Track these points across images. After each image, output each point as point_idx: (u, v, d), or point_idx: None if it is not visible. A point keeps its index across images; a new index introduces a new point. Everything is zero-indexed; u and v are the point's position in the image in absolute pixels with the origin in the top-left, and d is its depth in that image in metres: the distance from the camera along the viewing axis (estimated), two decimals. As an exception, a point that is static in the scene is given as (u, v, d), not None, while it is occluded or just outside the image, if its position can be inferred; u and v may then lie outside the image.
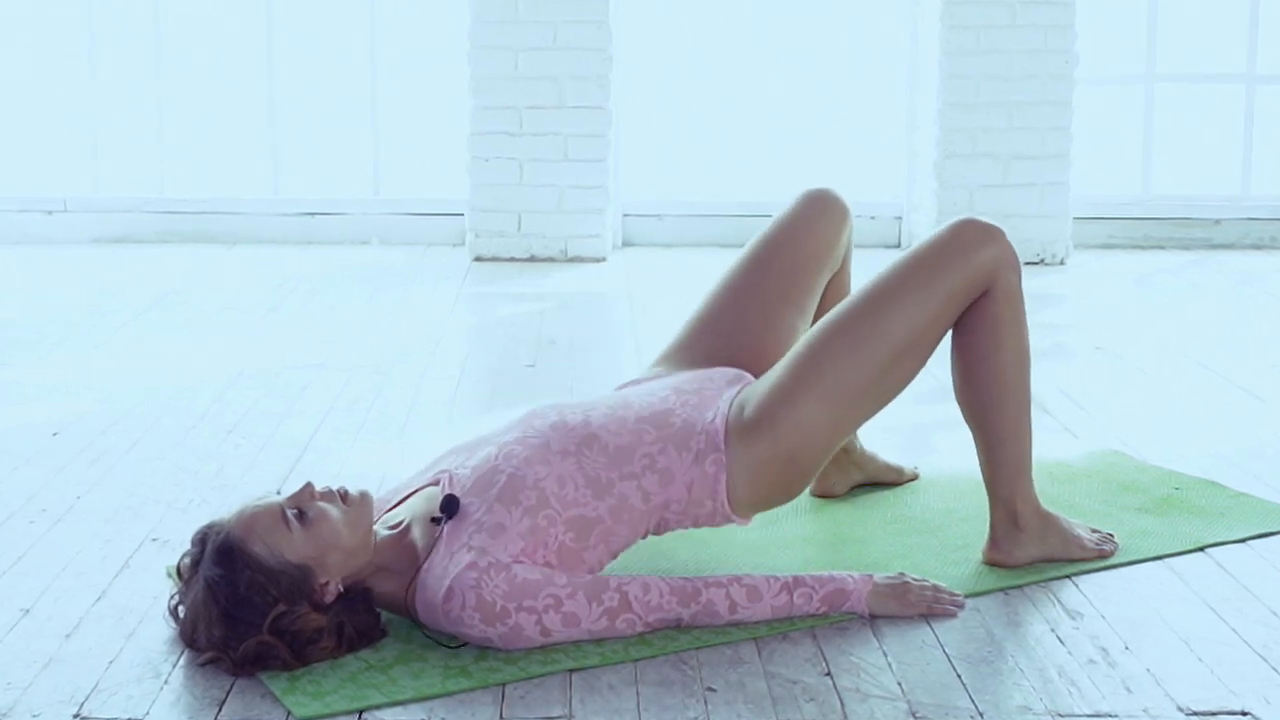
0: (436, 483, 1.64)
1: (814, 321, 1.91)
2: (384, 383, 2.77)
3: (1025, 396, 1.76)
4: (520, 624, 1.54)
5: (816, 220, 1.90)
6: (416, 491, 1.66)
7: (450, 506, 1.57)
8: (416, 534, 1.59)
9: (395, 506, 1.68)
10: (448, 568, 1.54)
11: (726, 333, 1.85)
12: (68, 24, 4.46)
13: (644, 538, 1.69)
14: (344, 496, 1.57)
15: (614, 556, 1.65)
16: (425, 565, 1.56)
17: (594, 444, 1.64)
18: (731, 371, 1.80)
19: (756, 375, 1.82)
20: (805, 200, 1.92)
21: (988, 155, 4.12)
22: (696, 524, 1.70)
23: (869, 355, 1.66)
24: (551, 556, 1.58)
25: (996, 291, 1.72)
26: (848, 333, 1.68)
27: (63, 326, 3.24)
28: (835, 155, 4.45)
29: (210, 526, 1.55)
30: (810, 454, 1.67)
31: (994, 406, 1.75)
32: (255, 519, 1.52)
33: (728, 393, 1.74)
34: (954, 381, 1.80)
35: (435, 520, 1.57)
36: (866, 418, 1.72)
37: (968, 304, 1.72)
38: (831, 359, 1.67)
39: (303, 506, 1.54)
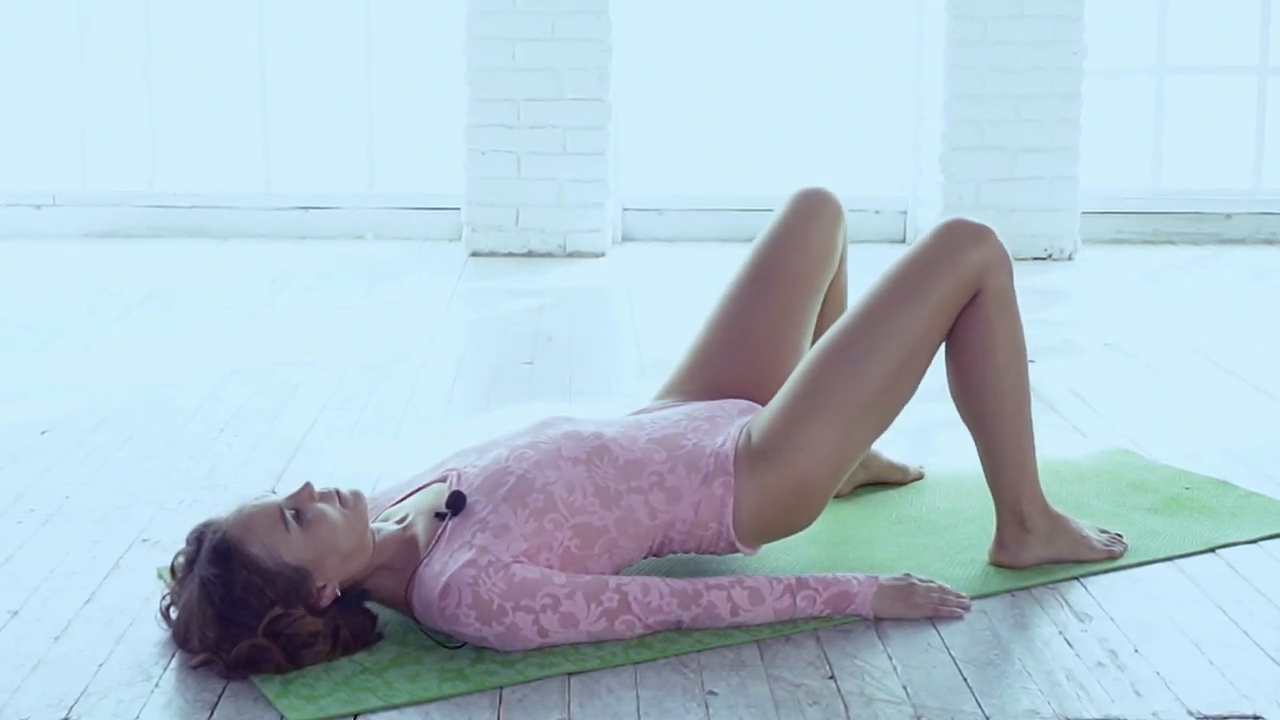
0: (444, 479, 1.63)
1: (816, 331, 1.90)
2: (379, 381, 2.75)
3: (1023, 397, 1.75)
4: (517, 623, 1.53)
5: (811, 225, 1.88)
6: (423, 488, 1.65)
7: (457, 502, 1.56)
8: (419, 529, 1.58)
9: (400, 502, 1.66)
10: (447, 564, 1.53)
11: (731, 361, 1.84)
12: (57, 15, 4.42)
13: (646, 556, 1.69)
14: (342, 498, 1.55)
15: (616, 570, 1.65)
16: (425, 560, 1.54)
17: (605, 455, 1.64)
18: (743, 403, 1.80)
19: (764, 403, 1.81)
20: (797, 204, 1.90)
21: (994, 148, 4.09)
22: (700, 548, 1.69)
23: (868, 373, 1.66)
24: (554, 560, 1.58)
25: (986, 293, 1.71)
26: (844, 354, 1.67)
27: (51, 323, 3.22)
28: (839, 148, 4.42)
29: (207, 525, 1.53)
30: (819, 479, 1.66)
31: (990, 408, 1.73)
32: (253, 519, 1.51)
33: (739, 421, 1.74)
34: (949, 384, 1.78)
35: (440, 516, 1.56)
36: (874, 436, 1.71)
37: (960, 307, 1.71)
38: (831, 381, 1.66)
39: (302, 507, 1.53)
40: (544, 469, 1.60)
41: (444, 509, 1.57)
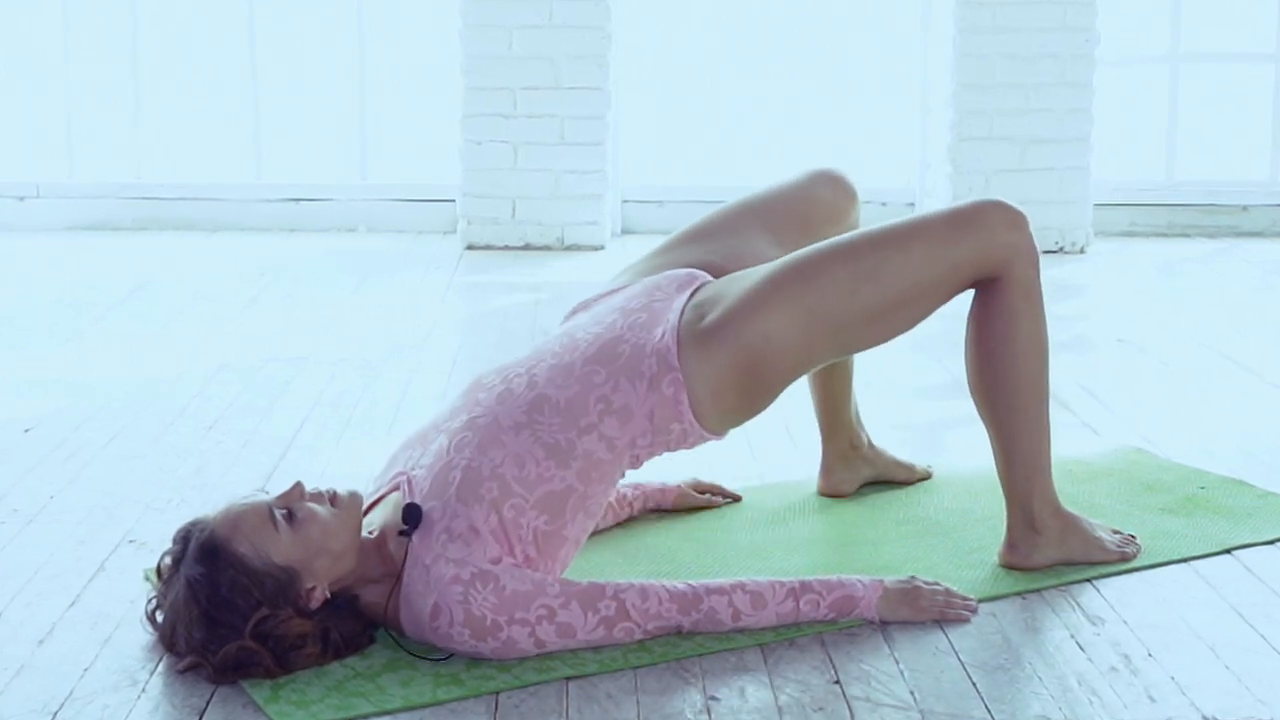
0: (397, 488, 1.59)
1: None
2: (372, 377, 2.73)
3: (1042, 392, 1.72)
4: (513, 637, 1.50)
5: (822, 191, 1.85)
6: (381, 499, 1.61)
7: (413, 516, 1.52)
8: (391, 545, 1.56)
9: (366, 513, 1.63)
10: (429, 582, 1.50)
11: (699, 251, 1.77)
12: (42, 4, 4.37)
13: (622, 478, 1.63)
14: (333, 498, 1.53)
15: (594, 517, 1.60)
16: (404, 579, 1.52)
17: (544, 405, 1.58)
18: (683, 272, 1.73)
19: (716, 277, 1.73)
20: (811, 174, 1.88)
21: (1004, 139, 4.05)
22: (670, 448, 1.63)
23: (861, 293, 1.61)
24: (529, 548, 1.53)
25: (1012, 281, 1.68)
26: (847, 263, 1.61)
27: (35, 318, 3.21)
28: (844, 138, 4.38)
29: (194, 524, 1.51)
30: (771, 369, 1.60)
31: (1008, 401, 1.71)
32: (241, 517, 1.48)
33: (678, 300, 1.67)
34: (968, 374, 1.76)
35: (402, 533, 1.53)
36: (829, 357, 1.65)
37: (972, 282, 1.68)
38: (822, 281, 1.60)
39: (291, 506, 1.50)
40: (487, 451, 1.54)
41: (403, 525, 1.53)
